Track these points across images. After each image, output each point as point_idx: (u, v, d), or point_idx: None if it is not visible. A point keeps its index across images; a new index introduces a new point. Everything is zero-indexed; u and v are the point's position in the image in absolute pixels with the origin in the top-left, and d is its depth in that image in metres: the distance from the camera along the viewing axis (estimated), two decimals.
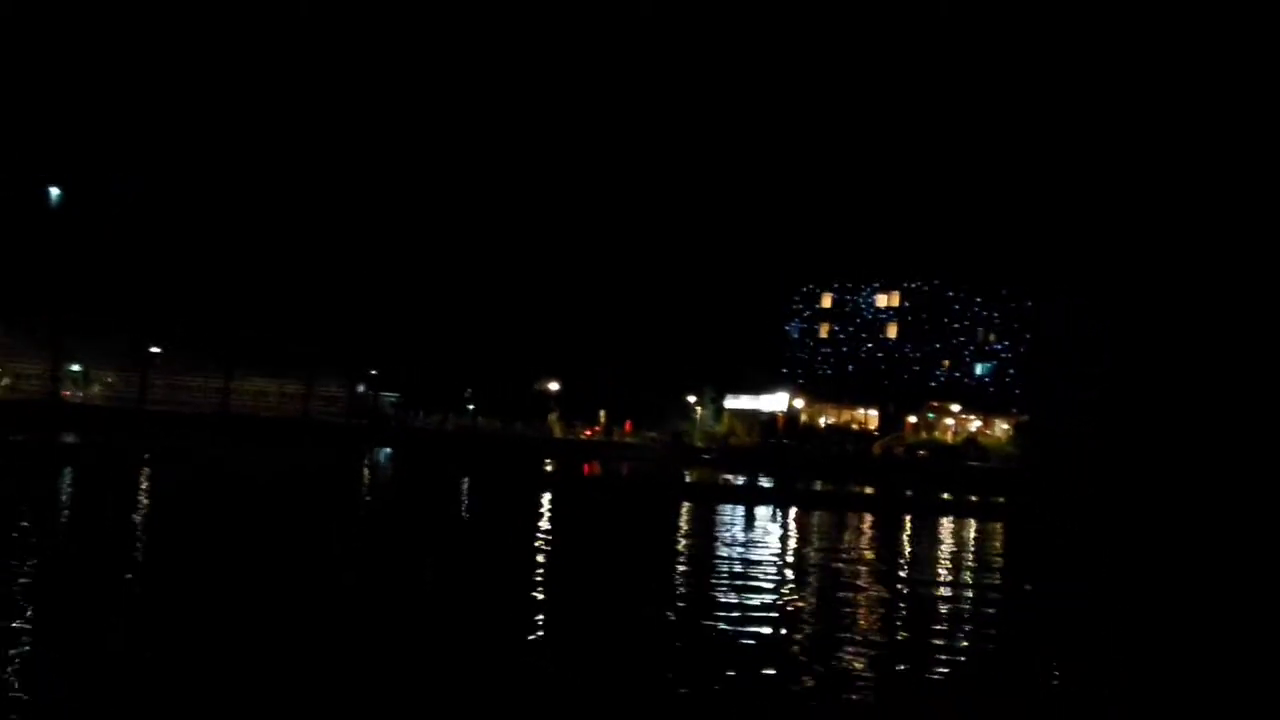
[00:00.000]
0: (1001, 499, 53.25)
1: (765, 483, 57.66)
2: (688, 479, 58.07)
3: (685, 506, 40.65)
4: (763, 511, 39.89)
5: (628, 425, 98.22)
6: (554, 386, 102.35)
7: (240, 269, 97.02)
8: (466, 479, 49.23)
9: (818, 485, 58.64)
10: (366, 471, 53.32)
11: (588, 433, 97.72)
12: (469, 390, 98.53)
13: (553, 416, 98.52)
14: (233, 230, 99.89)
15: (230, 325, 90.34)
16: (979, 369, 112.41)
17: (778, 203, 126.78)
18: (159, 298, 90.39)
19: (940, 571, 26.44)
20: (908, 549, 32.64)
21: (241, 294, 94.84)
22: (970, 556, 31.46)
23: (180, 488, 35.67)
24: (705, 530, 33.12)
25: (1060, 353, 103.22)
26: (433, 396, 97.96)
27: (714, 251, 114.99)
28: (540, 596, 18.28)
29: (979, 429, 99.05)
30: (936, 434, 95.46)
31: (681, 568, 23.46)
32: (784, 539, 32.10)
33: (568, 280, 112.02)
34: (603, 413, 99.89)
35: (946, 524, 41.49)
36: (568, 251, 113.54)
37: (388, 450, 72.72)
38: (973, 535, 38.42)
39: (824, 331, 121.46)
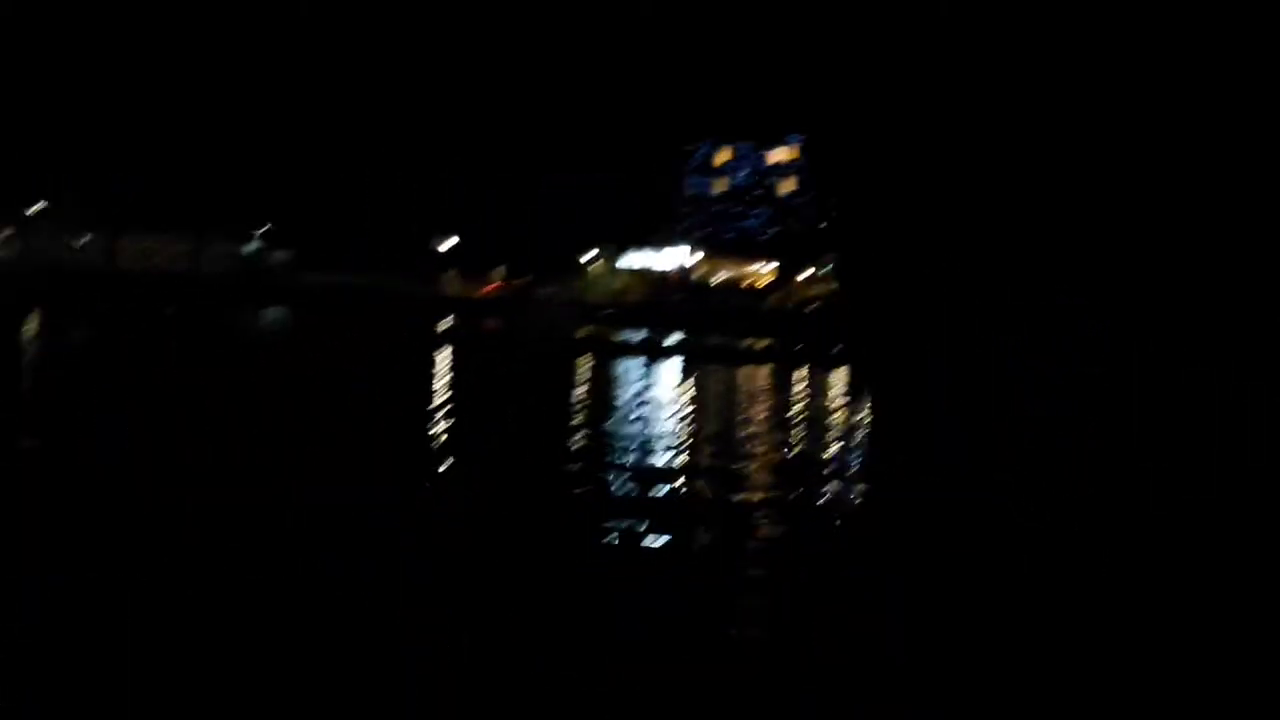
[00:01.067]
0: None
1: (661, 338, 58.41)
2: (584, 334, 58.60)
3: (582, 362, 41.19)
4: (659, 365, 40.63)
5: (524, 282, 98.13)
6: (450, 243, 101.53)
7: (127, 122, 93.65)
8: (358, 337, 49.05)
9: (714, 340, 59.58)
10: (256, 330, 52.77)
11: (485, 290, 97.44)
12: (362, 247, 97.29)
13: (451, 273, 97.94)
14: (118, 78, 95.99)
15: (118, 181, 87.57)
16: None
17: (676, 56, 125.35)
18: (40, 151, 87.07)
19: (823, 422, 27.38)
20: (795, 401, 33.63)
21: (129, 149, 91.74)
22: (841, 404, 32.57)
23: (62, 347, 35.02)
24: (602, 385, 33.72)
25: None
26: (325, 254, 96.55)
27: (612, 106, 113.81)
28: (437, 446, 18.63)
29: None
30: (830, 286, 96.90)
31: (578, 420, 24.00)
32: (679, 393, 32.82)
33: (465, 132, 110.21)
34: (500, 270, 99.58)
35: (835, 376, 42.71)
36: (465, 101, 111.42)
37: (278, 309, 71.83)
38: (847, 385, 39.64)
39: (721, 187, 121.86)
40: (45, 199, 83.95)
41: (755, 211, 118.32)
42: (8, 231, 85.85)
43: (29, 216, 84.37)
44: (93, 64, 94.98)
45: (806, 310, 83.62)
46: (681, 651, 8.38)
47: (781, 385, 37.55)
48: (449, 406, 25.36)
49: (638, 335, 60.03)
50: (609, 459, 18.42)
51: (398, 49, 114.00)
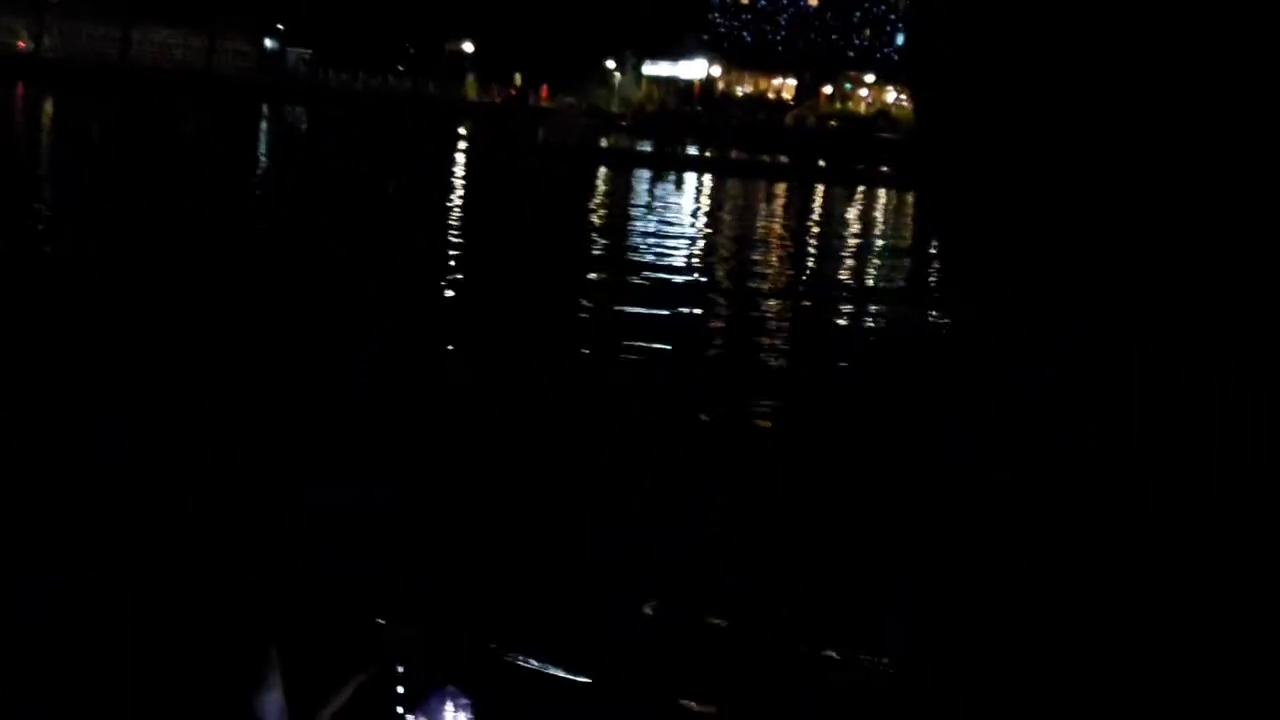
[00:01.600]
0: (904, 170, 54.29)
1: (682, 150, 58.13)
2: (604, 144, 58.35)
3: (601, 171, 41.30)
4: (677, 178, 40.75)
5: (544, 89, 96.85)
6: (469, 47, 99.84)
7: None
8: (378, 139, 48.99)
9: (732, 154, 59.27)
10: (274, 128, 52.69)
11: (503, 96, 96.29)
12: (383, 49, 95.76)
13: (470, 78, 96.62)
14: None
15: None
16: (900, 38, 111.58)
17: None
18: None
19: (836, 237, 27.76)
20: (814, 214, 33.91)
21: None
22: (862, 222, 32.84)
23: (78, 134, 35.19)
24: (620, 194, 33.95)
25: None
26: (345, 54, 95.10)
27: None
28: (457, 253, 19.10)
29: (894, 101, 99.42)
30: (850, 105, 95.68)
31: (598, 228, 24.40)
32: (697, 205, 33.06)
33: None
34: (518, 76, 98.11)
35: (846, 193, 42.80)
36: None
37: (298, 109, 71.39)
38: (875, 203, 39.79)
39: None
40: None
41: (781, 22, 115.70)
42: (25, 21, 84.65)
43: (46, 5, 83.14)
44: None
45: (829, 126, 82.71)
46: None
47: (800, 203, 37.74)
48: (465, 211, 25.73)
49: (658, 146, 59.75)
50: (624, 268, 18.79)
51: None
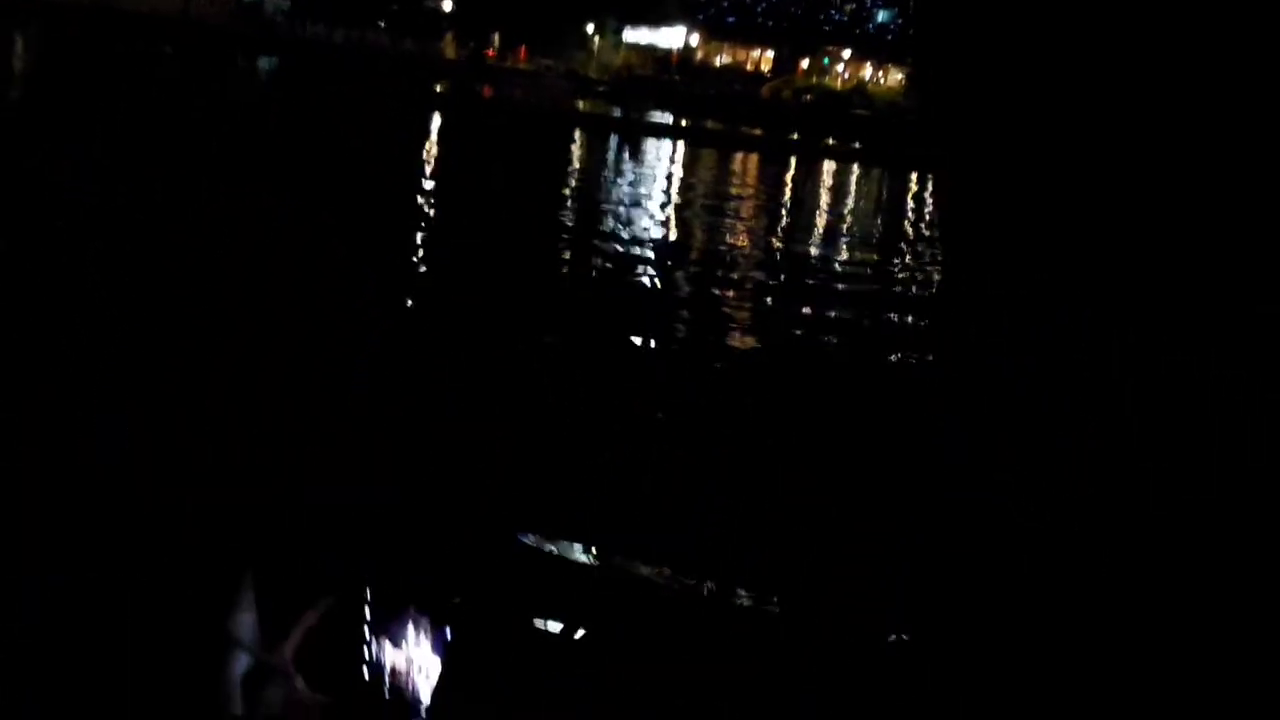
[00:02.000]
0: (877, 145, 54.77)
1: (657, 117, 58.31)
2: (580, 108, 58.44)
3: (576, 136, 41.51)
4: (650, 145, 41.00)
5: (522, 51, 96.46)
6: (447, 4, 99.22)
7: None
8: (355, 96, 48.92)
9: (707, 124, 59.42)
10: (246, 80, 52.43)
11: (481, 55, 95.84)
12: (362, 2, 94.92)
13: (448, 36, 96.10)
14: None
15: None
16: (881, 15, 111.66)
17: None
18: None
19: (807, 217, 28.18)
20: (786, 189, 34.28)
21: None
22: (834, 197, 33.29)
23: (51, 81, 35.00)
24: (594, 160, 34.21)
25: None
26: (324, 6, 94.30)
27: None
28: (430, 215, 19.36)
29: (870, 77, 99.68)
30: (827, 80, 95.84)
31: (569, 193, 24.68)
32: (669, 174, 33.39)
33: None
34: (496, 35, 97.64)
35: (822, 167, 43.23)
36: None
37: (273, 59, 70.93)
38: (846, 178, 40.24)
39: None
40: None
41: None
42: None
43: None
44: None
45: (804, 100, 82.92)
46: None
47: (773, 176, 38.09)
48: (440, 171, 25.94)
49: (635, 113, 59.86)
50: (596, 232, 19.15)
51: None
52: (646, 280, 15.30)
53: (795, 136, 55.49)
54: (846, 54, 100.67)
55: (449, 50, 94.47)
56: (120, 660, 5.46)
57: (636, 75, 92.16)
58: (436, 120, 41.11)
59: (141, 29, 72.44)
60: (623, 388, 10.46)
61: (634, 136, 43.89)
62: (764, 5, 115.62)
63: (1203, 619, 10.07)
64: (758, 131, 56.05)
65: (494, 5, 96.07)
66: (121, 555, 6.34)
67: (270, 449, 7.91)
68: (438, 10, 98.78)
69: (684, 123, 57.38)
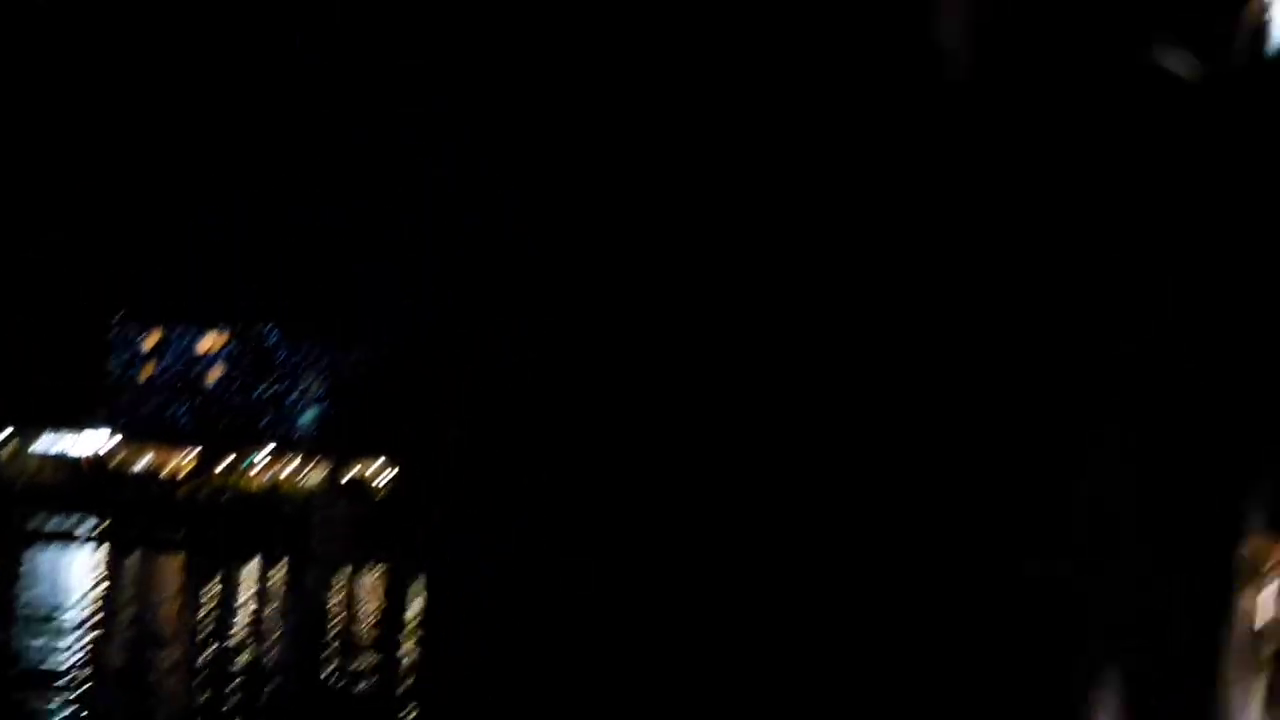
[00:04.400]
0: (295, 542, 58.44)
1: (73, 525, 58.79)
2: None
3: None
4: (73, 554, 42.44)
5: None
6: None
7: None
8: None
9: (131, 528, 60.58)
10: None
11: None
12: None
13: None
14: None
15: None
16: (307, 415, 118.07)
17: (95, 234, 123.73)
18: None
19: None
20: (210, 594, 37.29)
21: None
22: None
23: None
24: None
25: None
26: None
27: (27, 283, 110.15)
28: None
29: (290, 474, 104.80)
30: (245, 479, 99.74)
31: None
32: (92, 583, 35.31)
33: None
34: None
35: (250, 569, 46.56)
36: None
37: None
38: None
39: (148, 370, 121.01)
40: None
41: (181, 398, 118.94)
42: None
43: None
44: None
45: (222, 500, 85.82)
46: None
47: (197, 575, 40.48)
48: None
49: (52, 522, 59.99)
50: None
51: None
52: None
53: (218, 536, 58.11)
54: (266, 451, 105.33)
55: None
56: None
57: (53, 482, 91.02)
58: None
59: None
60: None
61: (62, 544, 44.42)
62: (183, 407, 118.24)
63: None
64: (178, 534, 58.31)
65: None
66: None
67: None
68: None
69: (104, 528, 58.45)
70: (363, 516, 71.18)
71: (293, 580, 42.84)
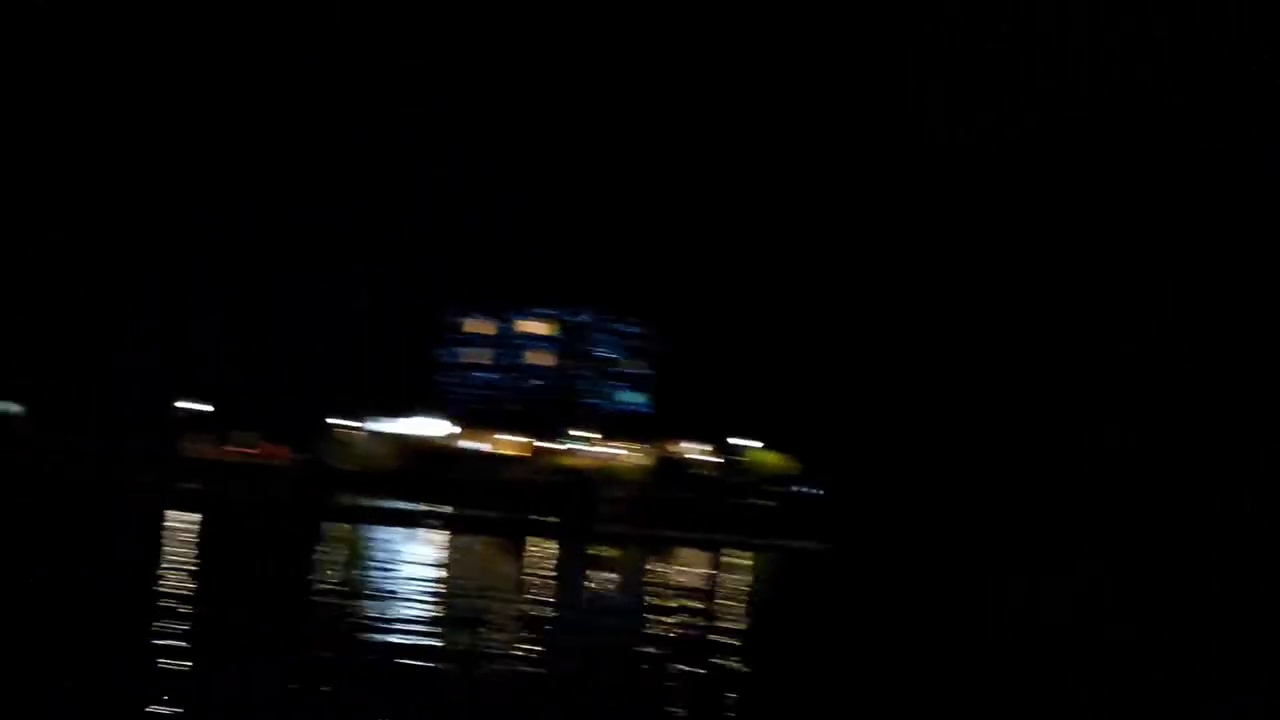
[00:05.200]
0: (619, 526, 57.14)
1: (404, 506, 59.44)
2: (330, 501, 59.20)
3: (326, 528, 42.21)
4: (395, 534, 42.08)
5: (271, 445, 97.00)
6: (190, 404, 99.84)
7: None
8: (108, 496, 48.49)
9: (449, 509, 60.70)
10: None
11: (239, 452, 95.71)
12: (102, 408, 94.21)
13: (194, 434, 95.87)
14: None
15: None
16: (627, 396, 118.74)
17: (435, 226, 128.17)
18: None
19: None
20: (516, 569, 35.75)
21: None
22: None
23: None
24: (354, 551, 34.94)
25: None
26: (62, 414, 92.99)
27: (371, 273, 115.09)
28: (188, 611, 19.80)
29: (615, 456, 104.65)
30: (573, 460, 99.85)
31: (323, 590, 25.34)
32: (411, 561, 34.38)
33: (214, 290, 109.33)
34: (243, 433, 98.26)
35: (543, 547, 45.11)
36: (215, 263, 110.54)
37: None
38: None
39: (477, 357, 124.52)
40: None
41: (508, 382, 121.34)
42: None
43: None
44: None
45: (551, 482, 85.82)
46: None
47: (524, 557, 39.49)
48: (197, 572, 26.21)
49: (389, 503, 60.95)
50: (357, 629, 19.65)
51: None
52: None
53: (546, 518, 57.42)
54: (597, 435, 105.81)
55: (195, 448, 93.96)
56: None
57: (391, 465, 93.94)
58: (189, 520, 41.22)
59: None
60: None
61: (393, 525, 44.96)
62: (512, 392, 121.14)
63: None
64: (507, 514, 57.77)
65: (246, 402, 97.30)
66: None
67: None
68: (178, 407, 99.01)
69: (428, 508, 58.74)
70: (689, 497, 69.43)
71: (621, 560, 41.37)
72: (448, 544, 41.46)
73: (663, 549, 47.90)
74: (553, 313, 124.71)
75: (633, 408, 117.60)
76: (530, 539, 47.55)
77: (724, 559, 46.63)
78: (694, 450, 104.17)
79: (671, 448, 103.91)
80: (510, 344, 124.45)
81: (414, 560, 33.93)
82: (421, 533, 45.58)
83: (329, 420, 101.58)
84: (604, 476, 74.95)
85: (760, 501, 70.28)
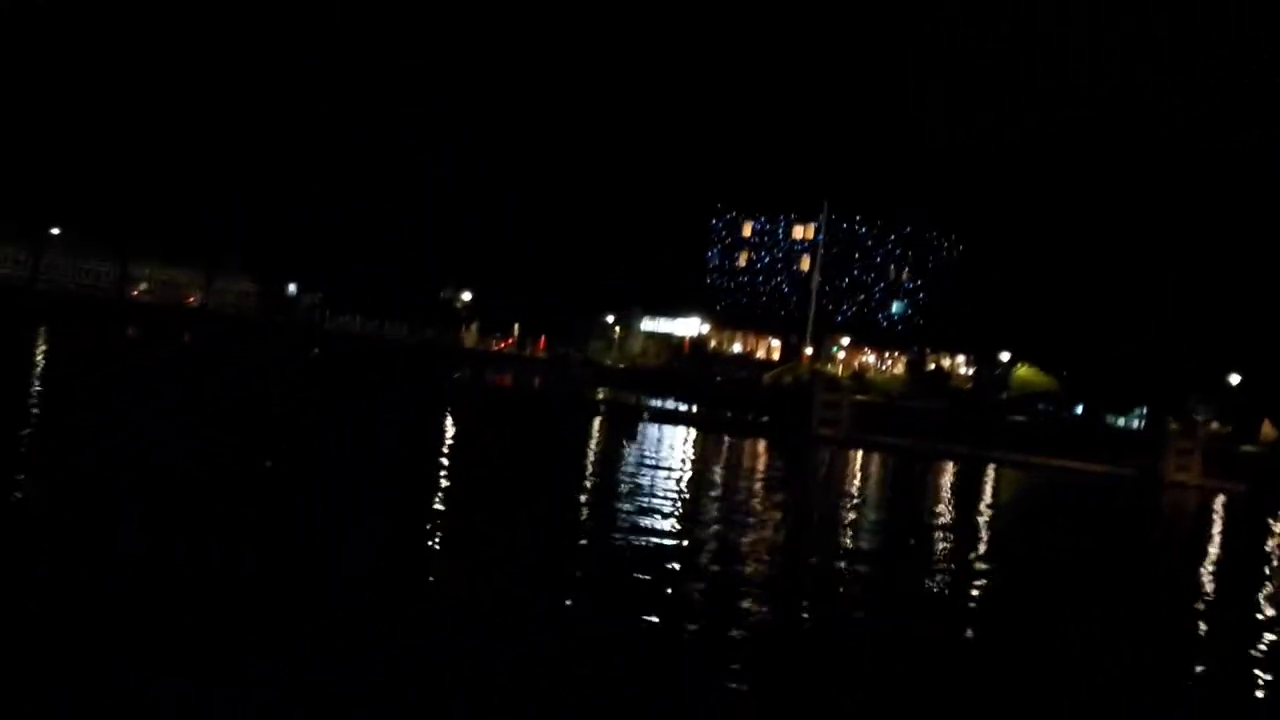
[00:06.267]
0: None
1: (663, 404, 60.22)
2: (592, 396, 60.79)
3: (594, 421, 43.42)
4: (648, 430, 42.81)
5: (542, 340, 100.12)
6: (467, 296, 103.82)
7: (140, 151, 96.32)
8: (391, 382, 51.14)
9: (719, 410, 61.09)
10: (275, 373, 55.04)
11: (501, 345, 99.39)
12: (385, 295, 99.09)
13: (473, 327, 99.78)
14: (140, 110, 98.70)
15: (134, 210, 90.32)
16: (895, 306, 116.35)
17: (704, 128, 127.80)
18: (52, 174, 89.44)
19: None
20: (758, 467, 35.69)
21: (140, 177, 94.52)
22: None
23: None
24: (613, 444, 35.71)
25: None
26: (349, 299, 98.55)
27: (640, 174, 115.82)
28: (451, 498, 20.66)
29: (870, 364, 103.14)
30: (830, 367, 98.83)
31: (587, 483, 26.01)
32: (684, 459, 34.72)
33: (497, 191, 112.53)
34: (516, 326, 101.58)
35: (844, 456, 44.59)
36: (498, 164, 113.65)
37: (315, 350, 73.92)
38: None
39: (741, 260, 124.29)
40: (60, 224, 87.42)
41: (771, 286, 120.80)
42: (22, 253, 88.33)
43: (44, 238, 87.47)
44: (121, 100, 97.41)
45: (805, 388, 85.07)
46: None
47: (779, 462, 39.35)
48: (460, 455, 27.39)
49: (650, 400, 61.80)
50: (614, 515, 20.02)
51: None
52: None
53: (796, 423, 56.83)
54: (846, 340, 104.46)
55: (470, 339, 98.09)
56: None
57: (649, 365, 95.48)
58: (461, 406, 43.10)
59: (163, 320, 75.67)
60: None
61: (634, 423, 45.78)
62: (772, 296, 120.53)
63: None
64: (765, 418, 57.81)
65: (514, 296, 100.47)
66: None
67: None
68: (455, 301, 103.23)
69: (693, 409, 59.38)
70: (943, 409, 67.48)
71: (876, 468, 40.67)
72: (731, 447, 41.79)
73: (922, 460, 46.66)
74: (816, 216, 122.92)
75: (894, 316, 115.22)
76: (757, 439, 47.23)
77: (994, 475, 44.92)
78: (953, 363, 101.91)
79: (931, 359, 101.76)
80: (774, 246, 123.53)
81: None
82: (682, 430, 46.12)
83: (602, 316, 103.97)
84: (847, 385, 72.96)
85: (1016, 417, 67.60)
